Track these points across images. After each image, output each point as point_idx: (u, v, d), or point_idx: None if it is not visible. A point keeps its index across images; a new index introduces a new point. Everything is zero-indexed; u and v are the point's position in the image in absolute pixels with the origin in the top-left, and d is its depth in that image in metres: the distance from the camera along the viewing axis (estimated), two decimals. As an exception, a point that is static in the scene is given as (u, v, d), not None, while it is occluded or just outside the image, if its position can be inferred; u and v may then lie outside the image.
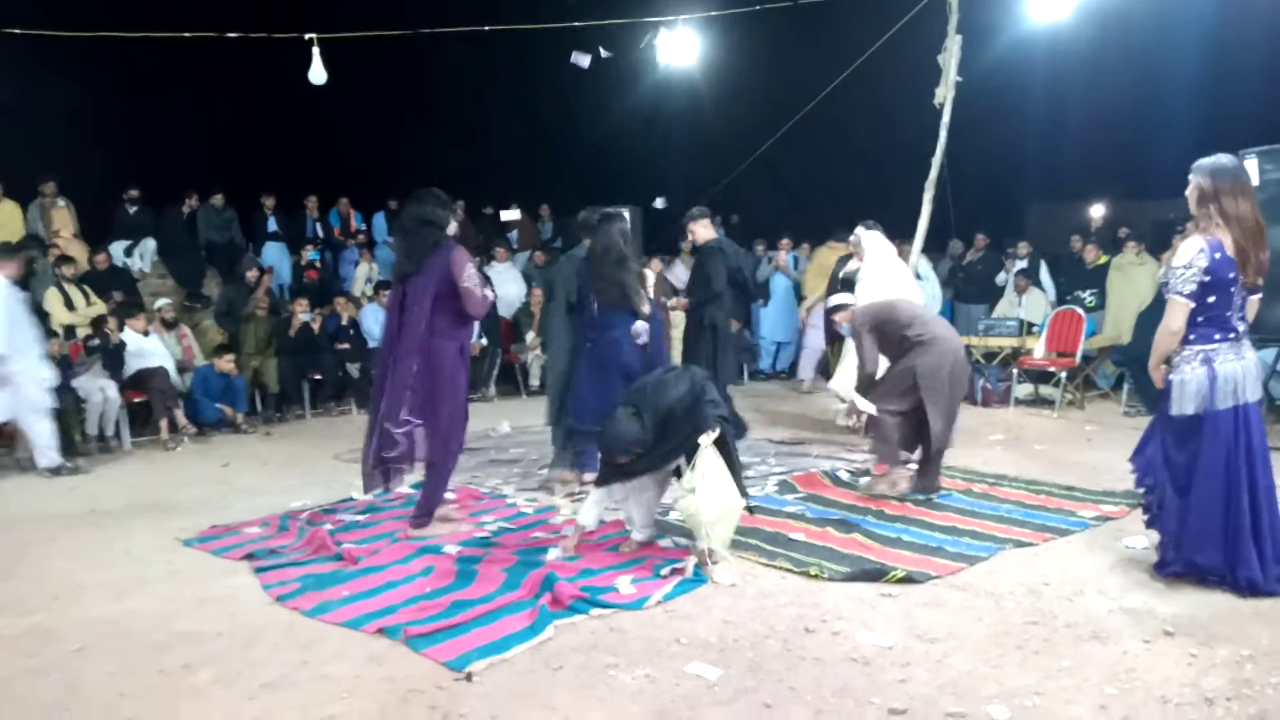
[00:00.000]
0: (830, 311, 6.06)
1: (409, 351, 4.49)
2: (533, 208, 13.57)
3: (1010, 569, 3.99)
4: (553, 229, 13.62)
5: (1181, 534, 3.67)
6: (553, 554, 4.25)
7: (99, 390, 7.29)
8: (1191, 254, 3.53)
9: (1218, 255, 3.50)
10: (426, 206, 4.59)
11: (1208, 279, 3.50)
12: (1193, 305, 3.55)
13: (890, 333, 5.25)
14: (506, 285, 10.82)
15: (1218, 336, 3.58)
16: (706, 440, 3.90)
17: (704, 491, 3.88)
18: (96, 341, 7.48)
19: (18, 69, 8.85)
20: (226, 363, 8.13)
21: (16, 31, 6.32)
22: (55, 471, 6.57)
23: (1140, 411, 8.01)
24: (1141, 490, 3.93)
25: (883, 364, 5.39)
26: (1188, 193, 3.66)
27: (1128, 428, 7.43)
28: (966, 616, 3.47)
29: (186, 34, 6.66)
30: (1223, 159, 3.59)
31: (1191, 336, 3.61)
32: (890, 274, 6.52)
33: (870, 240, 6.82)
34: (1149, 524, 3.92)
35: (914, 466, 5.39)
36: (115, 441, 7.47)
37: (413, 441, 4.53)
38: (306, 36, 6.93)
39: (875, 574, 3.85)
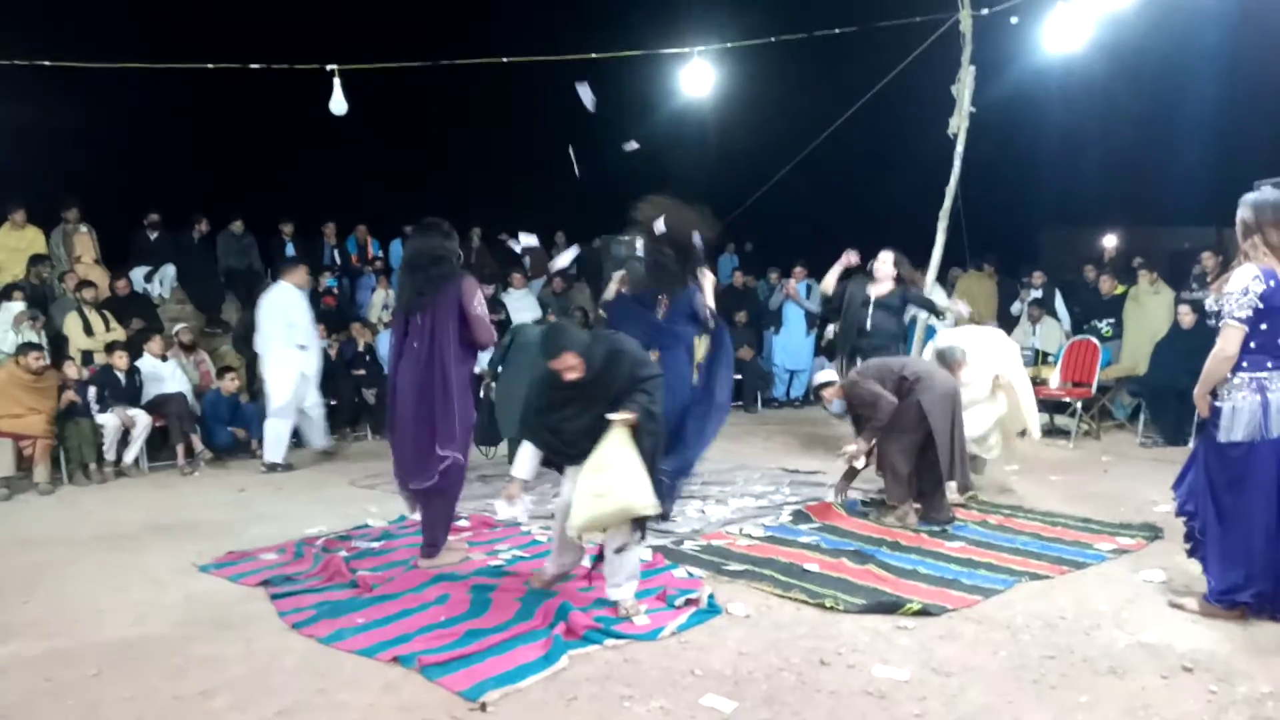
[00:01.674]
0: (817, 389, 5.89)
1: (444, 382, 4.53)
2: (548, 235, 13.65)
3: (1026, 602, 3.97)
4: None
5: (1223, 562, 3.66)
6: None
7: (119, 417, 7.35)
8: (1246, 280, 3.55)
9: (1272, 283, 3.52)
10: (433, 240, 4.63)
11: (1261, 306, 3.52)
12: (1246, 330, 3.55)
13: (888, 380, 5.34)
14: (522, 312, 10.87)
15: (1270, 364, 3.58)
16: (615, 417, 3.70)
17: (593, 464, 3.70)
18: (94, 386, 7.53)
19: (44, 97, 9.02)
20: (230, 383, 8.17)
21: (46, 64, 6.45)
22: (272, 468, 7.41)
23: (1157, 442, 7.97)
24: (1182, 518, 3.91)
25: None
26: (1236, 225, 3.68)
27: (1145, 459, 7.40)
28: (982, 650, 3.45)
29: (210, 64, 6.78)
30: (1267, 193, 3.66)
31: (1244, 364, 3.60)
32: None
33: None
34: (1190, 553, 3.90)
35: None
36: (134, 467, 7.51)
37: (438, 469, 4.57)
38: (328, 68, 7.04)
39: (890, 606, 3.84)
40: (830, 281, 7.52)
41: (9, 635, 3.80)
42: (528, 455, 4.00)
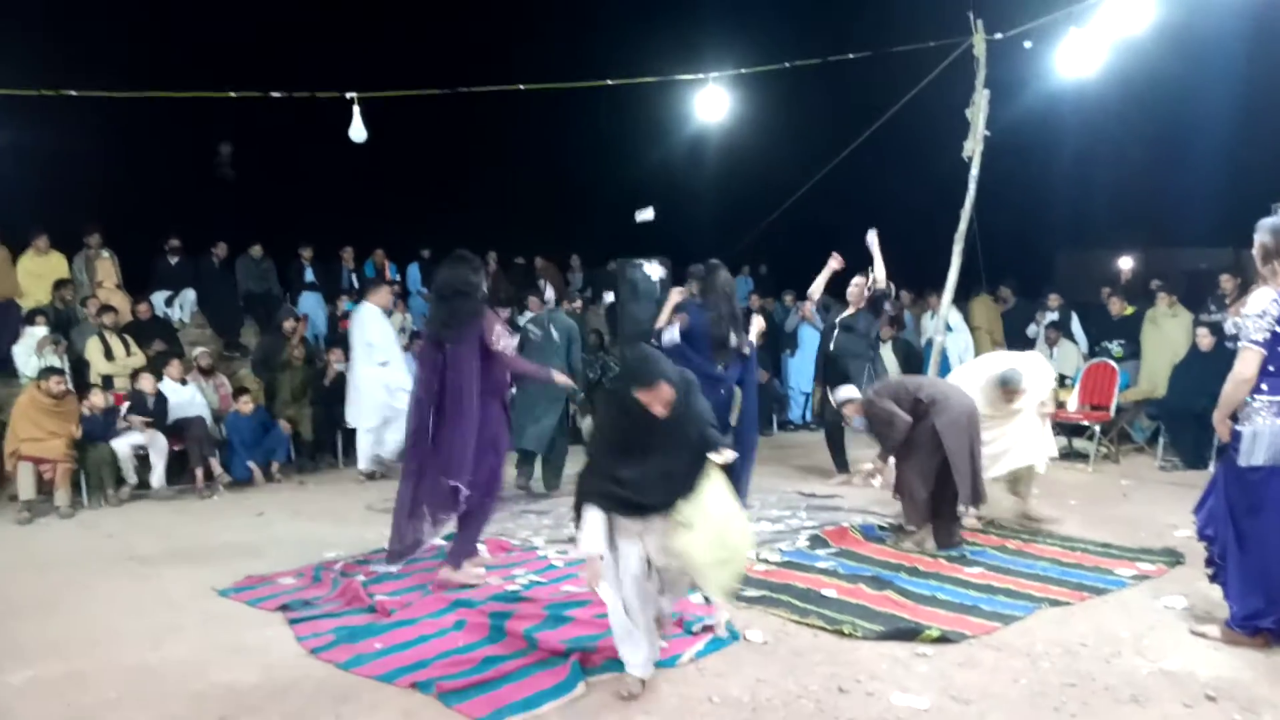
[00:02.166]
0: (839, 406, 5.93)
1: (457, 413, 4.65)
2: (563, 257, 13.74)
3: (1046, 628, 3.94)
4: (583, 279, 13.78)
5: (1244, 588, 3.63)
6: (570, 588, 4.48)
7: (136, 443, 7.43)
8: (1264, 303, 3.54)
9: None
10: (460, 272, 4.82)
11: (1279, 329, 3.51)
12: (1264, 353, 3.54)
13: (903, 399, 5.34)
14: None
15: None
16: (719, 458, 3.44)
17: (705, 528, 3.32)
18: (127, 405, 7.62)
19: (68, 125, 9.17)
20: (245, 405, 8.22)
21: (72, 93, 6.56)
22: (370, 476, 7.78)
23: (1176, 466, 7.90)
24: (1203, 543, 3.88)
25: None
26: (1254, 250, 3.68)
27: (1164, 482, 7.34)
28: (1002, 677, 3.43)
29: (233, 93, 6.88)
30: None
31: (1263, 386, 3.58)
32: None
33: None
34: (1212, 578, 3.87)
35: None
36: (153, 490, 7.56)
37: (460, 495, 4.68)
38: (347, 95, 7.13)
39: (909, 633, 3.82)
40: (817, 288, 7.76)
41: (29, 658, 3.83)
42: (597, 524, 3.34)
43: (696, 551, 3.29)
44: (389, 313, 8.14)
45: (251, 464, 8.05)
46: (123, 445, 7.40)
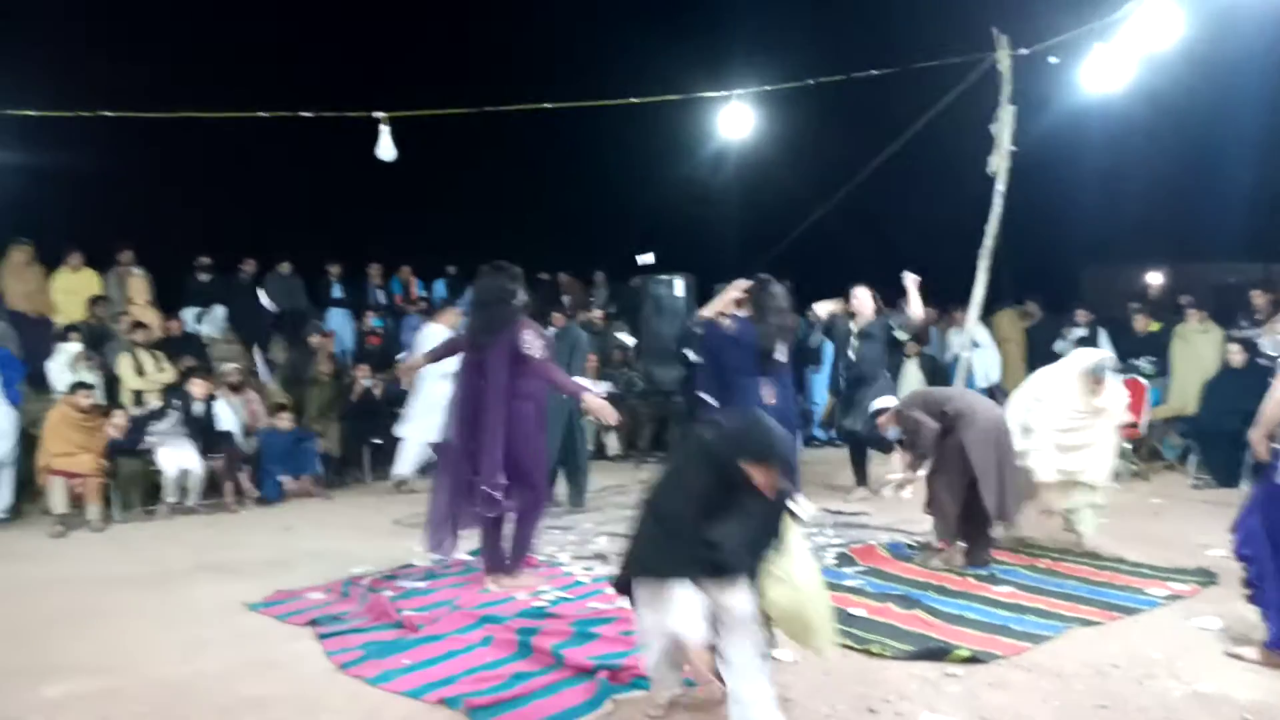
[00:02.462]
0: (873, 416, 5.96)
1: (495, 416, 4.83)
2: (586, 273, 13.79)
3: (1077, 649, 3.90)
4: (606, 295, 13.81)
5: None
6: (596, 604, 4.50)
7: (179, 462, 7.50)
8: None
9: None
10: (497, 281, 5.01)
11: None
12: None
13: (931, 411, 5.31)
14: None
15: None
16: (800, 510, 3.31)
17: (800, 579, 3.08)
18: (177, 402, 7.70)
19: (102, 145, 9.33)
20: (284, 421, 8.31)
21: (107, 114, 6.69)
22: (400, 485, 8.19)
23: (1209, 484, 7.81)
24: (1241, 563, 3.83)
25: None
26: None
27: (1196, 500, 7.25)
28: (1032, 698, 3.40)
29: (264, 113, 6.99)
30: None
31: None
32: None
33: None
34: (1250, 599, 3.81)
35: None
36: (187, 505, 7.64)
37: (504, 498, 4.87)
38: (375, 115, 7.22)
39: (939, 652, 3.79)
40: (829, 308, 7.94)
41: (63, 673, 3.88)
42: (695, 604, 2.97)
43: (791, 602, 3.08)
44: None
45: (283, 478, 8.13)
46: (168, 465, 7.46)
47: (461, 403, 4.99)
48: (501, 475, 4.81)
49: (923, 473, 5.37)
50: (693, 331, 6.90)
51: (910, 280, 7.40)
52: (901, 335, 7.78)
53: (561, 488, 7.25)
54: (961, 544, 5.30)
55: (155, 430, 7.56)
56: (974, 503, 5.18)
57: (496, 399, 4.84)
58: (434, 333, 7.93)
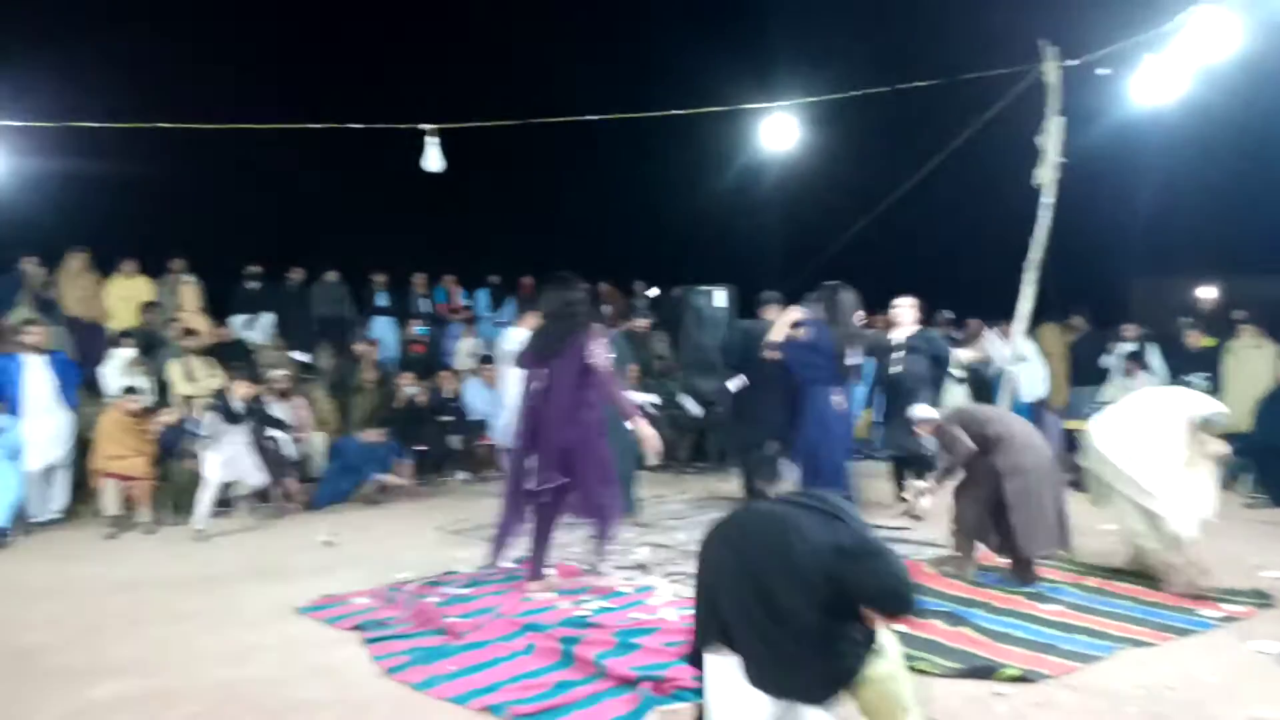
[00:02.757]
0: (915, 425, 5.86)
1: (558, 425, 4.99)
2: (626, 284, 13.84)
3: (1128, 670, 3.83)
4: (647, 304, 13.83)
5: None
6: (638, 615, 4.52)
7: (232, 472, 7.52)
8: None
9: None
10: (565, 293, 5.19)
11: None
12: None
13: (971, 429, 5.28)
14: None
15: None
16: None
17: (892, 651, 2.84)
18: (219, 403, 7.77)
19: (157, 155, 9.56)
20: (375, 436, 8.52)
21: (164, 125, 6.86)
22: None
23: (1263, 503, 7.63)
24: None
25: None
26: None
27: (1250, 520, 7.09)
28: (1083, 719, 3.35)
29: (315, 125, 7.12)
30: None
31: None
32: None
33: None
34: None
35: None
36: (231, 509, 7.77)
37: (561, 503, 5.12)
38: (422, 127, 7.32)
39: (986, 671, 3.74)
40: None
41: (114, 673, 3.96)
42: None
43: (886, 678, 2.81)
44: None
45: (378, 476, 8.41)
46: (213, 472, 7.40)
47: (527, 413, 5.13)
48: (557, 478, 4.97)
49: (949, 484, 5.36)
50: (762, 358, 6.84)
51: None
52: (956, 372, 7.73)
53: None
54: (1004, 560, 5.27)
55: (203, 432, 7.58)
56: (1007, 525, 5.13)
57: (561, 408, 4.98)
58: (514, 336, 8.09)
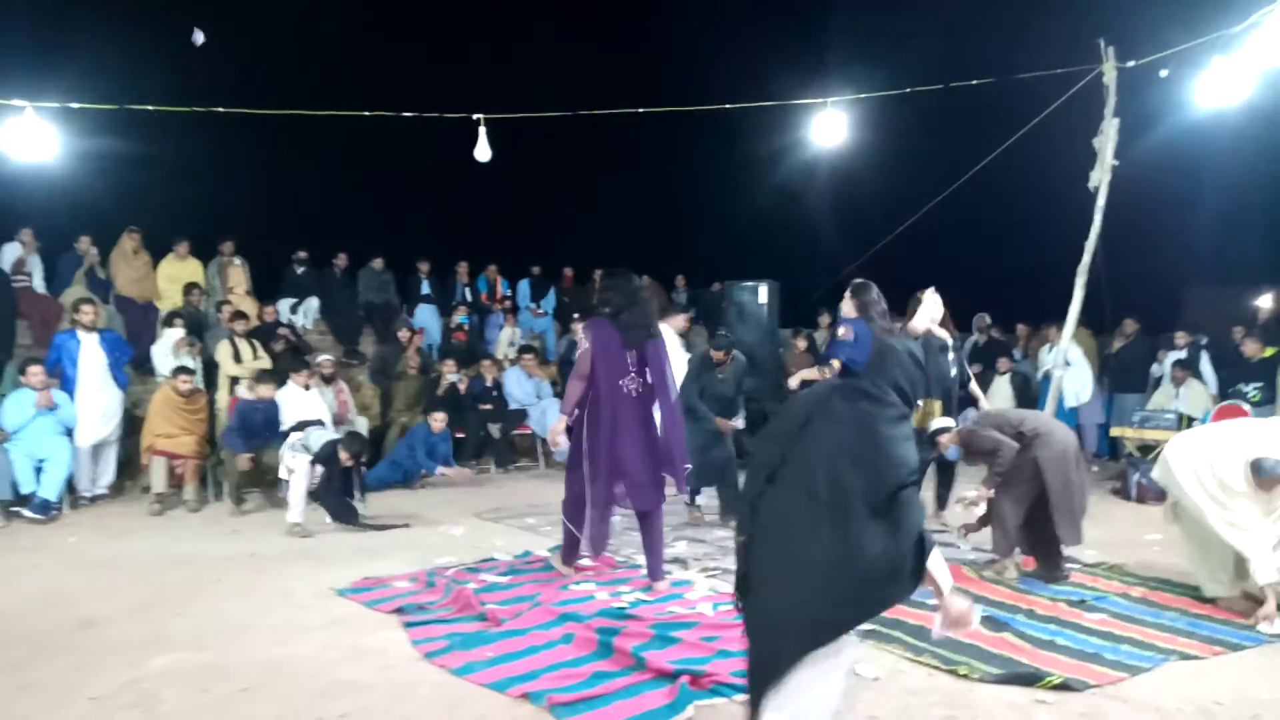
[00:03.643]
0: (934, 435, 5.70)
1: (638, 418, 5.03)
2: (668, 278, 13.84)
3: (1176, 683, 3.75)
4: (687, 299, 13.82)
5: None
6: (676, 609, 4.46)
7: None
8: None
9: None
10: (633, 285, 5.23)
11: None
12: None
13: (1006, 431, 5.29)
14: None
15: None
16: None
17: None
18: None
19: (211, 138, 9.72)
20: (438, 423, 8.58)
21: (219, 110, 6.96)
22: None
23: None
24: None
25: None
26: None
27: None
28: (1130, 732, 3.29)
29: (366, 113, 7.19)
30: None
31: None
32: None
33: None
34: None
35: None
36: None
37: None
38: (474, 117, 7.36)
39: (1029, 678, 3.69)
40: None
41: (168, 647, 4.04)
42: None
43: None
44: (683, 335, 8.27)
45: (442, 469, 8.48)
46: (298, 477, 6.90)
47: (609, 408, 4.97)
48: (646, 472, 4.99)
49: (992, 491, 5.30)
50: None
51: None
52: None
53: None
54: (1030, 558, 5.36)
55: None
56: (1042, 519, 5.20)
57: (637, 401, 5.01)
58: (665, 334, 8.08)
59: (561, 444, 5.41)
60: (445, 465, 8.52)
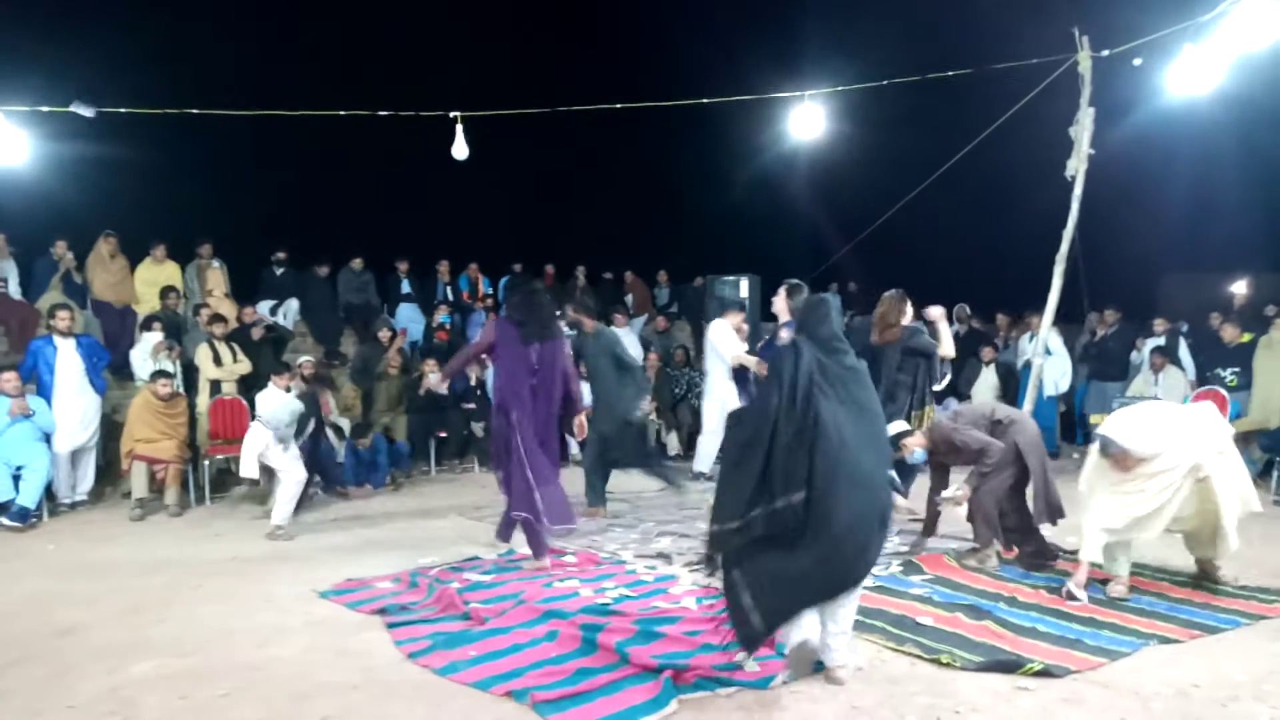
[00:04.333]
0: (894, 440, 5.46)
1: (549, 410, 5.53)
2: (650, 273, 13.84)
3: (1155, 667, 3.78)
4: (669, 294, 13.83)
5: None
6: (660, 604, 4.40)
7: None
8: None
9: None
10: (541, 293, 5.86)
11: None
12: None
13: (981, 424, 5.40)
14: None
15: None
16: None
17: None
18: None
19: (186, 140, 9.64)
20: (363, 443, 8.48)
21: (195, 111, 6.91)
22: (698, 477, 8.34)
23: (1293, 501, 7.53)
24: None
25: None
26: None
27: (1278, 518, 6.99)
28: (1110, 717, 3.31)
29: (343, 112, 7.14)
30: None
31: None
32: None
33: None
34: None
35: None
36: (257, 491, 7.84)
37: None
38: (451, 115, 7.33)
39: (1010, 665, 3.71)
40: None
41: (148, 652, 4.02)
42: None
43: None
44: (740, 331, 8.38)
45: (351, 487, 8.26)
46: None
47: (513, 398, 5.45)
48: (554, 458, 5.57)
49: (971, 490, 5.34)
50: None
51: (937, 314, 6.71)
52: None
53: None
54: (1007, 548, 5.45)
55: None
56: (1018, 507, 5.33)
57: (548, 391, 5.51)
58: (721, 329, 8.22)
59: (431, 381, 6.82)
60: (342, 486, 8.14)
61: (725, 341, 8.12)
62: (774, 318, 7.21)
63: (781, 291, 6.16)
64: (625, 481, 8.16)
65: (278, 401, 7.91)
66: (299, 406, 6.80)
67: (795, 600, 3.41)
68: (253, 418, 7.67)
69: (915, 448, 5.55)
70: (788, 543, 3.37)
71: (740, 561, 3.47)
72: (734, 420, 3.80)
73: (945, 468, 5.66)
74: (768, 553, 3.41)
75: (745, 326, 8.47)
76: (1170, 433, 4.62)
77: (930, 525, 5.77)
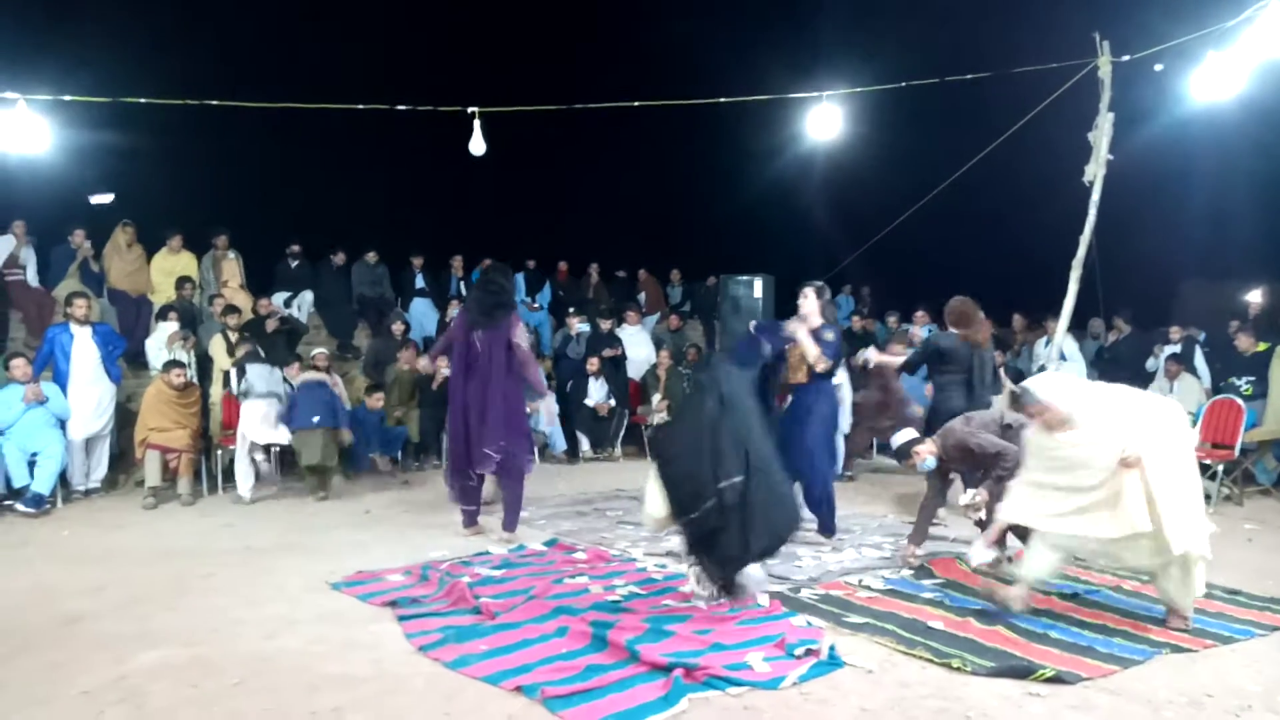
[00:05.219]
0: (903, 448, 5.46)
1: (495, 389, 5.87)
2: (664, 272, 13.82)
3: (1167, 676, 3.76)
4: (682, 293, 13.81)
5: None
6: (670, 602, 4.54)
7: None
8: None
9: None
10: (503, 278, 6.26)
11: None
12: None
13: (992, 428, 5.35)
14: (636, 348, 11.01)
15: None
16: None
17: None
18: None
19: (205, 131, 9.67)
20: (376, 400, 8.57)
21: (214, 103, 6.93)
22: None
23: (1308, 512, 7.47)
24: None
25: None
26: None
27: (1293, 529, 6.94)
28: (1122, 724, 3.29)
29: (361, 106, 7.15)
30: None
31: None
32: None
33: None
34: None
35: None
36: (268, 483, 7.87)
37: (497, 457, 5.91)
38: (469, 110, 7.33)
39: (1022, 671, 3.70)
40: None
41: (157, 642, 4.03)
42: None
43: None
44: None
45: (373, 455, 8.55)
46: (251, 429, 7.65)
47: (467, 381, 5.91)
48: (501, 440, 5.86)
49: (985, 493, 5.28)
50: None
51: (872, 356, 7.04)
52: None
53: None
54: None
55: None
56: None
57: (497, 376, 5.86)
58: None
59: (421, 365, 7.40)
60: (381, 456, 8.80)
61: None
62: (787, 318, 7.20)
63: (811, 293, 6.09)
64: (635, 479, 8.17)
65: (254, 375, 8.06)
66: (263, 368, 7.75)
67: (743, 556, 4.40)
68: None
69: (926, 455, 5.45)
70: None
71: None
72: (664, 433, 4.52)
73: (948, 476, 5.62)
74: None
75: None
76: (1102, 405, 4.36)
77: (920, 533, 5.59)
